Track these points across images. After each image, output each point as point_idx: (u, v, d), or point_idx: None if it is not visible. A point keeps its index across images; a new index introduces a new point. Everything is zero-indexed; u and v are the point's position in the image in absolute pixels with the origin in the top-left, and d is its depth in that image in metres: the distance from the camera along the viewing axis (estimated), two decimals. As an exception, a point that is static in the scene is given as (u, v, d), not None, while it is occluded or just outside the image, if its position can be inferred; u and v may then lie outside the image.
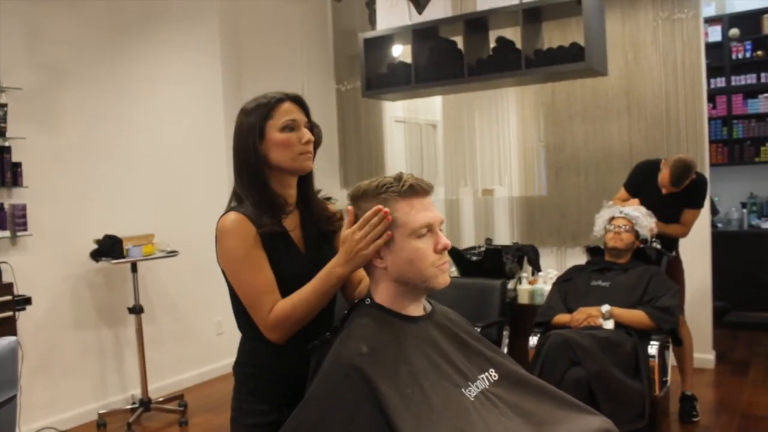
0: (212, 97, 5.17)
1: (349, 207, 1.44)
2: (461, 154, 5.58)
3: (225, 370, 5.02)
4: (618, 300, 3.24)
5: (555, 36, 4.53)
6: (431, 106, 5.98)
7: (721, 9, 6.21)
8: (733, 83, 6.13)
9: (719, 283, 4.82)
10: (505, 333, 3.71)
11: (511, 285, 4.13)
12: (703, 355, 4.56)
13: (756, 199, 6.05)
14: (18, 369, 1.71)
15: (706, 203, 4.07)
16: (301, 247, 1.61)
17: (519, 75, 3.93)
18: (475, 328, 1.65)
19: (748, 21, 6.09)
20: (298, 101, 1.60)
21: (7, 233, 3.81)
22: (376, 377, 1.29)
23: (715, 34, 6.14)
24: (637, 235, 3.51)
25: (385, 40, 4.47)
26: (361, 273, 1.57)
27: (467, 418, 1.31)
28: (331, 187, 5.68)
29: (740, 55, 6.11)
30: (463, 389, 1.37)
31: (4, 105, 3.76)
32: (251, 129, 1.55)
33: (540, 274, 4.35)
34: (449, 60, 4.17)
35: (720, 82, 6.16)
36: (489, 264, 4.21)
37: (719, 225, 6.00)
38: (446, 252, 1.42)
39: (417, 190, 1.40)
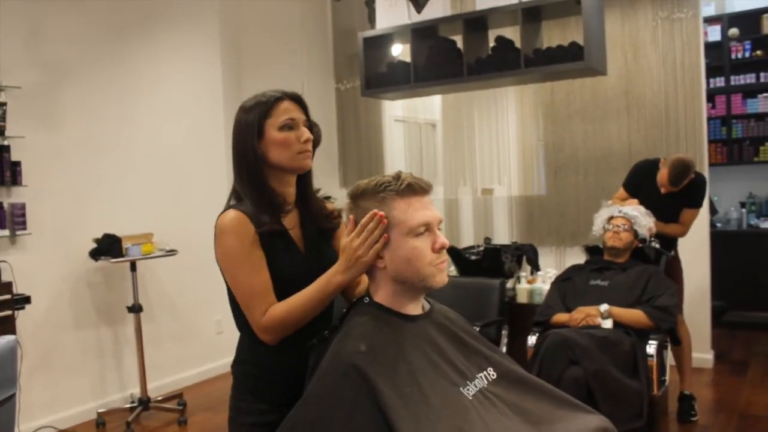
0: (212, 96, 5.18)
1: (350, 216, 1.44)
2: (460, 153, 5.58)
3: (224, 369, 5.02)
4: (617, 299, 3.25)
5: (554, 35, 4.53)
6: (430, 106, 5.98)
7: (721, 8, 6.21)
8: (732, 83, 6.13)
9: (718, 283, 4.82)
10: (504, 332, 3.71)
11: (510, 284, 4.13)
12: (702, 354, 4.57)
13: (755, 199, 6.05)
14: (17, 368, 1.71)
15: (705, 203, 4.07)
16: (300, 245, 1.61)
17: (518, 74, 3.93)
18: (474, 327, 1.65)
19: (747, 21, 6.09)
20: (297, 100, 1.60)
21: (6, 232, 3.81)
22: (375, 376, 1.29)
23: (715, 33, 6.14)
24: (635, 234, 3.51)
25: (385, 40, 4.47)
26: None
27: (466, 416, 1.32)
28: (331, 186, 5.68)
29: (740, 55, 6.11)
30: (461, 388, 1.37)
31: (4, 104, 3.76)
32: (250, 127, 1.55)
33: (539, 273, 4.35)
34: (448, 59, 4.17)
35: (719, 81, 6.16)
36: (488, 263, 4.21)
37: (718, 225, 6.00)
38: (444, 251, 1.42)
39: (415, 189, 1.40)
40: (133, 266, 4.26)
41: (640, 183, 3.91)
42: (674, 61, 4.56)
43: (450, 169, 5.65)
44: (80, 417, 4.23)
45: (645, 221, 3.53)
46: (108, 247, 4.14)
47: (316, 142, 1.69)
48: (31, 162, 3.94)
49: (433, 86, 4.29)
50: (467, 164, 5.56)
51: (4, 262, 3.77)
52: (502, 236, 5.29)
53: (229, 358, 1.67)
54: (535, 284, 4.13)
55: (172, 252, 4.42)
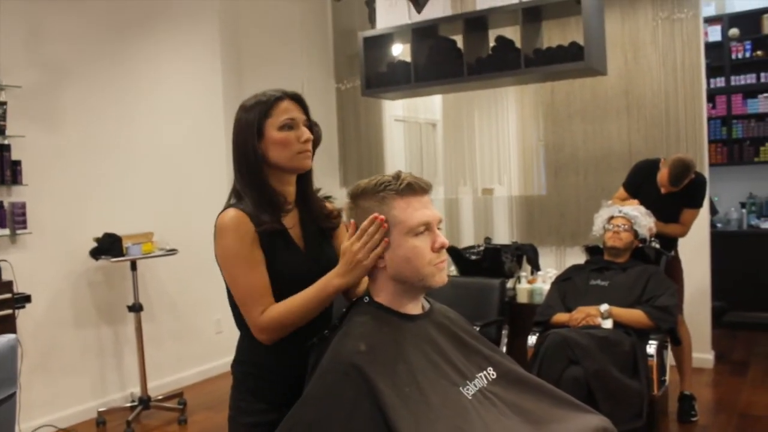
0: (212, 95, 5.18)
1: (352, 221, 1.44)
2: (461, 153, 5.58)
3: (224, 368, 5.02)
4: (617, 299, 3.25)
5: (554, 35, 4.53)
6: (431, 105, 5.98)
7: (721, 9, 6.21)
8: (732, 83, 6.13)
9: (718, 283, 4.82)
10: (504, 332, 3.71)
11: (510, 284, 4.13)
12: (702, 354, 4.57)
13: (755, 199, 6.05)
14: (17, 367, 1.71)
15: (706, 203, 4.07)
16: (300, 244, 1.61)
17: (518, 74, 3.93)
18: (474, 327, 1.65)
19: (747, 21, 6.09)
20: (298, 99, 1.60)
21: (6, 231, 3.81)
22: (375, 375, 1.29)
23: (715, 33, 6.14)
24: (636, 234, 3.52)
25: (385, 39, 4.47)
26: None
27: (465, 416, 1.32)
28: (331, 185, 5.69)
29: (740, 55, 6.11)
30: (461, 388, 1.37)
31: (4, 103, 3.76)
32: (250, 127, 1.55)
33: (539, 273, 4.35)
34: (449, 59, 4.17)
35: (720, 81, 6.16)
36: (488, 263, 4.21)
37: (718, 225, 6.00)
38: (444, 250, 1.43)
39: (415, 188, 1.40)
40: (133, 265, 4.26)
41: (640, 183, 3.91)
42: (674, 61, 4.56)
43: (450, 169, 5.65)
44: (80, 416, 4.23)
45: (645, 221, 3.53)
46: (108, 246, 4.14)
47: (316, 142, 1.69)
48: (31, 161, 3.94)
49: (434, 86, 4.29)
50: (467, 164, 5.56)
51: (5, 261, 3.77)
52: (503, 236, 5.29)
53: (229, 357, 1.67)
54: (535, 284, 4.13)
55: (172, 251, 4.43)
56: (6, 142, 3.80)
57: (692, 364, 3.93)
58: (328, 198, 1.74)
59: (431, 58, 4.22)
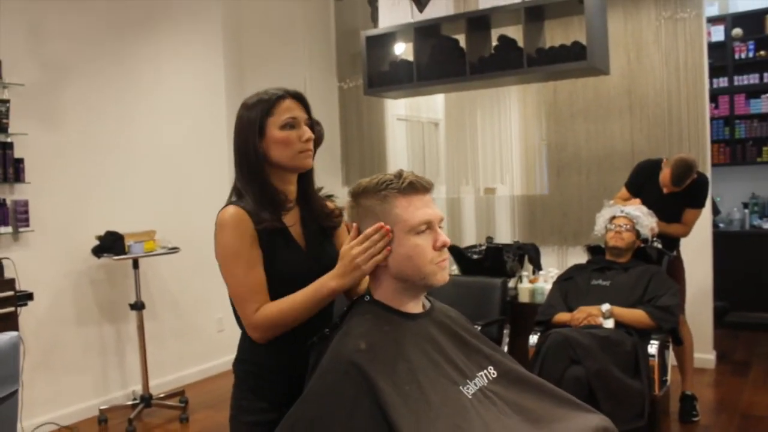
0: (214, 94, 5.19)
1: (354, 224, 1.44)
2: (463, 152, 5.58)
3: (226, 366, 5.03)
4: (618, 299, 3.25)
5: (557, 35, 4.53)
6: (433, 105, 5.98)
7: (724, 9, 6.20)
8: (735, 83, 6.13)
9: (720, 283, 4.81)
10: (506, 331, 3.72)
11: (511, 283, 4.13)
12: (704, 355, 4.56)
13: (758, 200, 6.04)
14: (20, 364, 1.71)
15: (708, 203, 4.06)
16: (301, 243, 1.61)
17: (521, 73, 3.93)
18: (475, 327, 1.65)
19: (751, 21, 6.08)
20: (300, 98, 1.60)
21: (9, 229, 3.81)
22: (375, 374, 1.29)
23: (718, 33, 6.13)
24: (638, 234, 3.51)
25: (388, 38, 4.47)
26: None
27: (465, 415, 1.32)
28: (333, 184, 5.69)
29: (743, 55, 6.11)
30: (461, 387, 1.37)
31: (7, 101, 3.77)
32: (251, 125, 1.55)
33: (541, 272, 4.35)
34: (451, 58, 4.16)
35: (722, 81, 6.15)
36: (490, 262, 4.21)
37: (721, 225, 6.00)
38: (445, 249, 1.43)
39: (417, 187, 1.40)
40: (135, 264, 4.26)
41: (642, 183, 3.90)
42: (677, 61, 4.55)
43: (452, 168, 5.65)
44: (82, 414, 4.24)
45: (647, 221, 3.53)
46: (110, 244, 4.15)
47: (318, 141, 1.70)
48: (34, 159, 3.95)
49: (436, 85, 4.29)
50: (470, 163, 5.56)
51: (7, 258, 3.78)
52: (504, 235, 5.29)
53: (231, 355, 1.67)
54: (536, 284, 4.13)
55: (174, 249, 4.43)
56: (9, 140, 3.81)
57: (694, 364, 3.93)
58: (330, 197, 1.74)
59: (434, 58, 4.22)
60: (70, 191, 4.20)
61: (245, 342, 1.62)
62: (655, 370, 3.05)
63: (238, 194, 1.59)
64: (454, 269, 4.40)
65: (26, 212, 3.88)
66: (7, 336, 1.65)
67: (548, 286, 3.85)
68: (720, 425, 3.72)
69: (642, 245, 3.58)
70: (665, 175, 3.70)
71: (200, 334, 5.05)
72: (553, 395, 1.49)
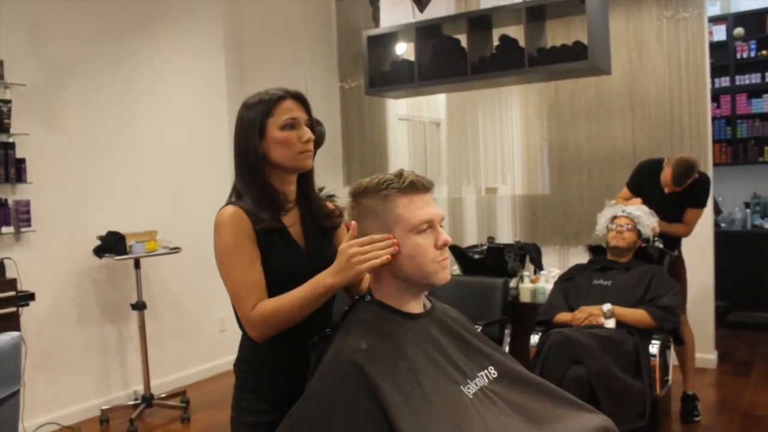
0: (215, 94, 5.19)
1: (353, 222, 1.44)
2: (464, 152, 5.58)
3: (227, 366, 5.02)
4: (619, 299, 3.24)
5: (558, 34, 4.53)
6: (435, 104, 5.98)
7: (726, 8, 6.20)
8: (737, 82, 6.12)
9: (722, 283, 4.81)
10: (507, 331, 3.72)
11: (513, 283, 4.13)
12: (705, 354, 4.56)
13: (759, 199, 6.04)
14: (21, 364, 1.71)
15: (709, 203, 4.06)
16: (300, 242, 1.61)
17: (522, 73, 3.92)
18: (476, 327, 1.65)
19: (752, 20, 6.07)
20: (300, 99, 1.60)
21: (11, 229, 3.82)
22: (375, 374, 1.29)
23: (720, 33, 6.13)
24: (639, 234, 3.51)
25: (389, 38, 4.46)
26: None
27: (466, 415, 1.32)
28: (334, 184, 5.69)
29: (745, 55, 6.10)
30: (462, 387, 1.37)
31: (8, 101, 3.78)
32: (252, 125, 1.55)
33: (542, 272, 4.35)
34: (452, 58, 4.16)
35: (724, 81, 6.14)
36: (491, 262, 4.21)
37: (722, 225, 5.99)
38: (447, 248, 1.43)
39: (417, 186, 1.40)
40: (136, 264, 4.27)
41: (643, 182, 3.90)
42: (679, 61, 4.55)
43: (454, 168, 5.65)
44: (84, 414, 4.24)
45: (648, 221, 3.53)
46: (112, 244, 4.15)
47: (319, 142, 1.70)
48: (35, 159, 3.95)
49: (437, 85, 4.29)
50: (471, 163, 5.56)
51: (9, 258, 3.78)
52: (506, 235, 5.29)
53: (232, 356, 1.67)
54: (538, 283, 4.13)
55: (175, 250, 4.43)
56: (11, 140, 3.81)
57: (695, 364, 3.93)
58: (331, 197, 1.75)
59: (435, 57, 4.22)
60: (71, 191, 4.20)
61: (246, 342, 1.62)
62: (657, 369, 3.05)
63: (237, 194, 1.59)
64: (456, 269, 4.40)
65: (28, 212, 3.88)
66: (9, 336, 1.65)
67: (549, 286, 3.84)
68: (721, 425, 3.71)
69: (643, 245, 3.58)
70: (667, 174, 3.70)
71: (201, 334, 5.05)
72: (553, 395, 1.49)
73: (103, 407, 4.24)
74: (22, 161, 3.86)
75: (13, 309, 3.60)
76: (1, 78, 3.76)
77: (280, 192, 1.58)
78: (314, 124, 1.63)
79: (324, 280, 1.44)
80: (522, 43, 3.92)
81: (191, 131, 4.99)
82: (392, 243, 1.37)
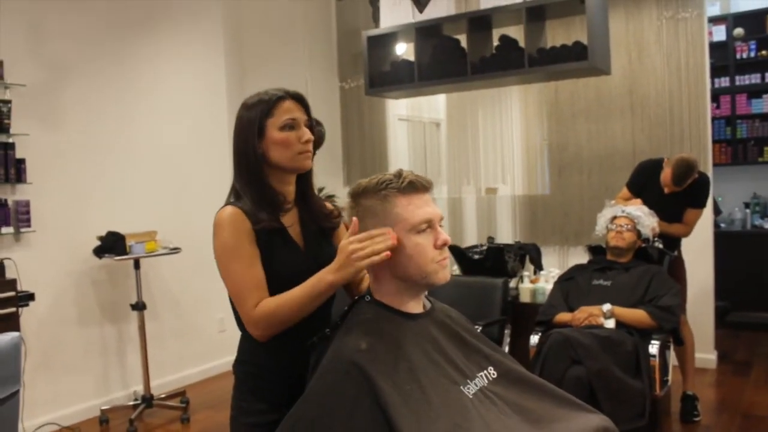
0: (215, 94, 5.19)
1: (354, 218, 1.43)
2: (464, 152, 5.58)
3: (227, 367, 5.01)
4: (619, 299, 3.24)
5: (558, 34, 4.53)
6: (435, 105, 5.98)
7: (726, 8, 6.20)
8: (737, 83, 6.12)
9: (721, 283, 4.81)
10: (507, 331, 3.72)
11: (512, 283, 4.13)
12: (705, 355, 4.56)
13: (759, 200, 6.04)
14: (21, 365, 1.71)
15: (709, 203, 4.06)
16: (299, 242, 1.61)
17: (522, 73, 3.92)
18: (476, 327, 1.65)
19: (752, 20, 6.08)
20: (300, 99, 1.60)
21: (10, 229, 3.82)
22: (375, 374, 1.29)
23: (720, 33, 6.13)
24: (639, 234, 3.51)
25: (389, 38, 4.46)
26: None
27: (465, 415, 1.32)
28: (334, 185, 5.68)
29: (744, 55, 6.10)
30: (461, 387, 1.37)
31: (8, 101, 3.78)
32: (251, 126, 1.55)
33: (542, 272, 4.35)
34: (452, 58, 4.16)
35: (724, 81, 6.14)
36: (491, 262, 4.21)
37: (722, 225, 5.99)
38: (446, 248, 1.43)
39: (417, 186, 1.40)
40: (136, 264, 4.27)
41: (643, 183, 3.90)
42: (679, 61, 4.55)
43: (454, 168, 5.65)
44: (84, 414, 4.24)
45: (648, 221, 3.53)
46: (112, 244, 4.15)
47: (319, 142, 1.70)
48: (35, 159, 3.95)
49: (437, 85, 4.29)
50: (471, 163, 5.56)
51: (9, 259, 3.79)
52: (506, 235, 5.29)
53: (232, 356, 1.67)
54: (538, 284, 4.13)
55: (175, 250, 4.43)
56: (10, 140, 3.81)
57: (695, 364, 3.93)
58: (331, 197, 1.75)
59: (435, 58, 4.22)
60: (71, 192, 4.20)
61: (245, 343, 1.62)
62: (656, 370, 3.05)
63: (236, 195, 1.59)
64: (455, 269, 4.40)
65: (28, 213, 3.88)
66: (9, 336, 1.65)
67: (549, 286, 3.84)
68: (721, 425, 3.71)
69: (643, 245, 3.58)
70: (666, 174, 3.70)
71: (201, 335, 5.05)
72: (553, 395, 1.49)
73: (103, 407, 4.24)
74: (21, 161, 3.86)
75: (13, 309, 3.60)
76: (1, 78, 3.76)
77: (279, 192, 1.58)
78: (314, 125, 1.63)
79: (325, 277, 1.43)
80: (522, 44, 3.92)
81: (191, 131, 4.99)
82: (391, 236, 1.37)
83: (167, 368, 4.76)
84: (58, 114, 4.15)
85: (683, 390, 3.84)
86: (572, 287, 3.47)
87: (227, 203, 1.57)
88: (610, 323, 3.16)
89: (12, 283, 3.65)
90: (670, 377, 3.26)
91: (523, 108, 5.32)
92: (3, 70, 3.77)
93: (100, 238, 4.18)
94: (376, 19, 4.68)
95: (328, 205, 1.71)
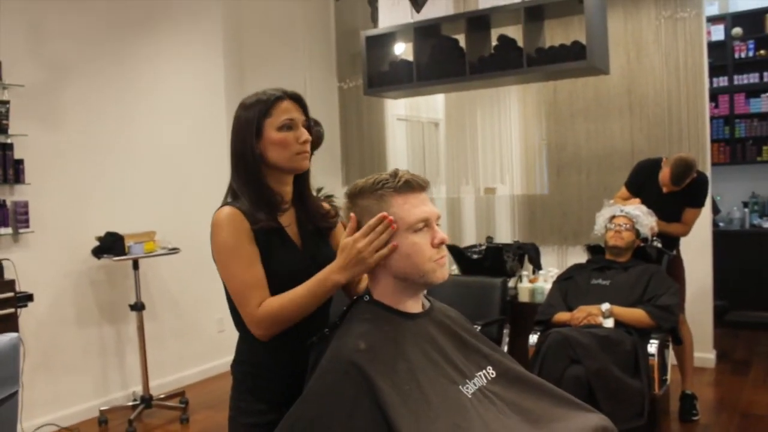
0: (214, 94, 5.19)
1: (352, 214, 1.43)
2: (463, 152, 5.58)
3: (226, 367, 4.97)
4: (618, 298, 3.25)
5: (557, 34, 4.53)
6: (433, 104, 5.98)
7: (724, 8, 6.20)
8: (735, 82, 6.13)
9: (720, 283, 4.82)
10: (506, 331, 3.71)
11: (511, 283, 4.13)
12: (704, 354, 4.56)
13: (758, 199, 6.05)
14: (20, 365, 1.71)
15: (708, 202, 4.07)
16: (297, 242, 1.61)
17: (521, 73, 3.93)
18: (475, 326, 1.65)
19: (750, 20, 6.08)
20: (298, 100, 1.60)
21: (9, 230, 3.81)
22: (374, 374, 1.29)
23: (718, 33, 6.13)
24: (637, 233, 3.51)
25: (387, 38, 4.47)
26: None
27: (464, 415, 1.32)
28: (333, 185, 5.68)
29: (743, 54, 6.10)
30: (460, 386, 1.37)
31: (7, 102, 3.77)
32: (249, 126, 1.55)
33: (540, 272, 4.35)
34: (451, 58, 4.16)
35: (722, 81, 6.15)
36: (490, 262, 4.21)
37: (721, 224, 6.00)
38: (444, 247, 1.43)
39: (413, 185, 1.40)
40: (135, 264, 4.26)
41: (642, 182, 3.91)
42: (677, 61, 4.55)
43: (452, 168, 5.65)
44: (83, 415, 4.24)
45: (647, 220, 3.53)
46: (110, 245, 4.15)
47: (317, 142, 1.70)
48: (34, 160, 3.95)
49: (436, 85, 4.29)
50: (470, 163, 5.56)
51: (7, 259, 3.78)
52: (504, 235, 5.29)
53: (231, 356, 1.67)
54: (536, 283, 4.13)
55: (174, 250, 4.43)
56: (9, 141, 3.81)
57: (694, 363, 3.93)
58: (329, 197, 1.74)
59: (433, 57, 4.22)
60: (70, 192, 4.20)
61: (243, 343, 1.62)
62: (655, 369, 3.05)
63: (233, 195, 1.59)
64: (454, 269, 4.40)
65: (26, 213, 3.88)
66: (7, 337, 1.65)
67: (548, 286, 3.85)
68: (720, 424, 3.72)
69: (642, 244, 3.58)
70: (665, 174, 3.70)
71: (200, 335, 5.05)
72: (552, 395, 1.50)
73: (102, 408, 4.24)
74: (20, 162, 3.86)
75: (12, 310, 3.59)
76: (0, 79, 3.76)
77: (276, 192, 1.58)
78: (312, 125, 1.63)
79: (331, 276, 1.43)
80: (520, 43, 3.93)
81: (191, 131, 4.99)
82: (388, 222, 1.36)
83: (166, 368, 4.76)
84: (57, 114, 4.15)
85: (682, 389, 3.84)
86: (571, 287, 3.47)
87: (225, 203, 1.57)
88: (609, 323, 3.16)
89: (10, 284, 3.65)
90: (668, 376, 3.26)
91: (522, 108, 5.32)
92: (1, 71, 3.77)
93: (99, 239, 4.18)
94: (374, 19, 4.68)
95: (325, 205, 1.71)
